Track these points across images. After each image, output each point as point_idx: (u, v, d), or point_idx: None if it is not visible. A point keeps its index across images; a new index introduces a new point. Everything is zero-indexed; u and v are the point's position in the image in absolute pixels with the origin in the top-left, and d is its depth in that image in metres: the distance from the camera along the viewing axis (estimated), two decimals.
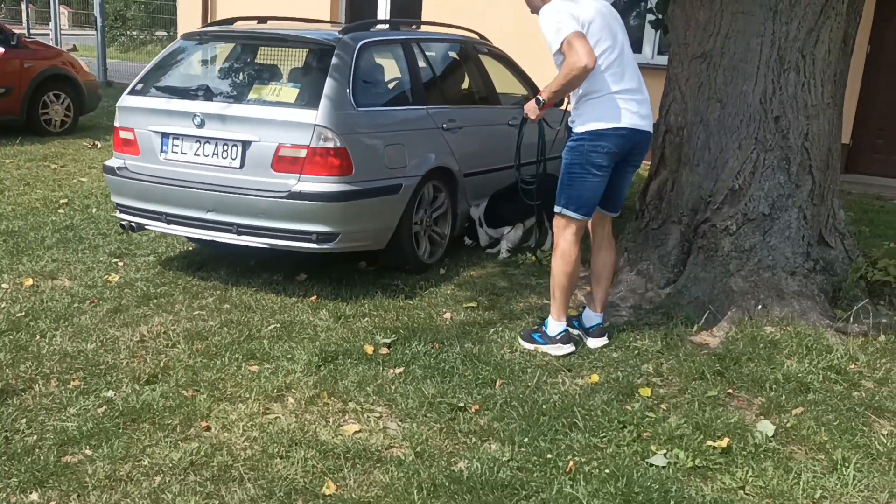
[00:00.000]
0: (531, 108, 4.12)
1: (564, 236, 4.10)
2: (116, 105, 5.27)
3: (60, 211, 6.60)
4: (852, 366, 4.04)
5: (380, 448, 3.25)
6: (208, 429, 3.34)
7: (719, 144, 4.74)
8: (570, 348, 4.16)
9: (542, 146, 4.50)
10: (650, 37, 10.04)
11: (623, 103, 3.96)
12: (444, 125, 5.48)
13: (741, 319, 4.45)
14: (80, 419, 3.36)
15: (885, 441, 3.39)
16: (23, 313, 4.44)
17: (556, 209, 4.12)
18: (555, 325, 4.17)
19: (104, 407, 3.47)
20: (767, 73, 4.59)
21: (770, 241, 4.65)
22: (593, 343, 4.31)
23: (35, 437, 3.23)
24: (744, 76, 4.64)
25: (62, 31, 19.21)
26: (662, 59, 9.83)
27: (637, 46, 10.20)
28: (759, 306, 4.52)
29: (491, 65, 6.45)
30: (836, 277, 4.82)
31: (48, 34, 19.30)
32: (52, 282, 4.98)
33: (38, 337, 4.16)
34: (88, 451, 3.14)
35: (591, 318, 4.34)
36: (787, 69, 4.58)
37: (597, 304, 4.34)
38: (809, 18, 4.51)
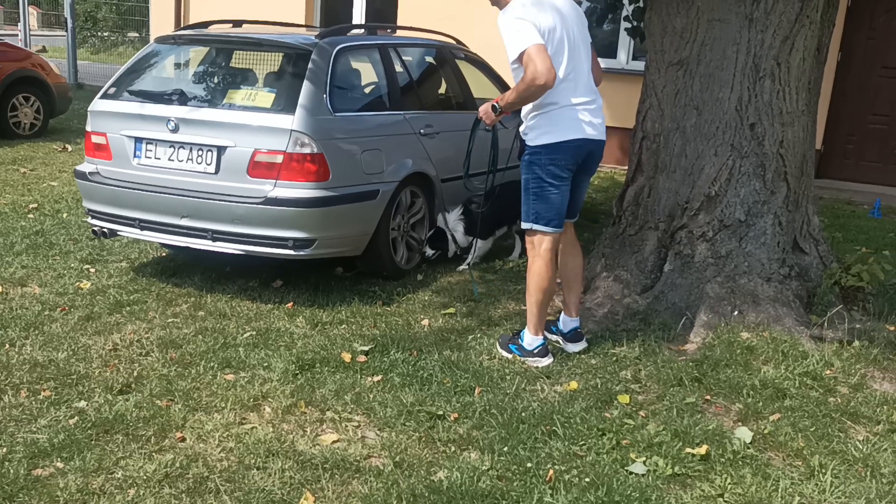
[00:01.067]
0: (487, 113, 4.11)
1: (540, 253, 4.06)
2: (88, 109, 5.20)
3: (30, 216, 6.48)
4: (828, 371, 4.07)
5: (358, 458, 3.21)
6: (183, 440, 3.29)
7: (696, 151, 4.77)
8: (548, 360, 4.15)
9: (494, 155, 4.52)
10: (625, 42, 10.09)
11: (576, 114, 3.94)
12: (422, 130, 5.46)
13: (718, 325, 4.47)
14: (51, 431, 3.29)
15: (860, 447, 3.41)
16: None
17: (526, 226, 4.09)
18: (531, 339, 4.16)
19: (76, 418, 3.40)
20: (743, 81, 4.62)
21: (746, 247, 4.68)
22: (572, 347, 4.31)
23: (4, 449, 3.15)
24: (720, 83, 4.67)
25: (31, 32, 18.93)
26: (637, 65, 9.89)
27: (612, 52, 10.26)
28: (736, 312, 4.54)
29: (467, 69, 6.44)
30: (811, 283, 4.86)
31: (17, 35, 18.99)
32: (21, 289, 4.89)
33: (7, 346, 4.07)
34: (60, 464, 3.07)
35: (568, 323, 4.35)
36: (763, 77, 4.61)
37: (571, 308, 4.34)
38: (784, 27, 4.55)
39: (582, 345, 4.33)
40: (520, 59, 3.77)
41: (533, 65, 3.70)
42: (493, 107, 4.06)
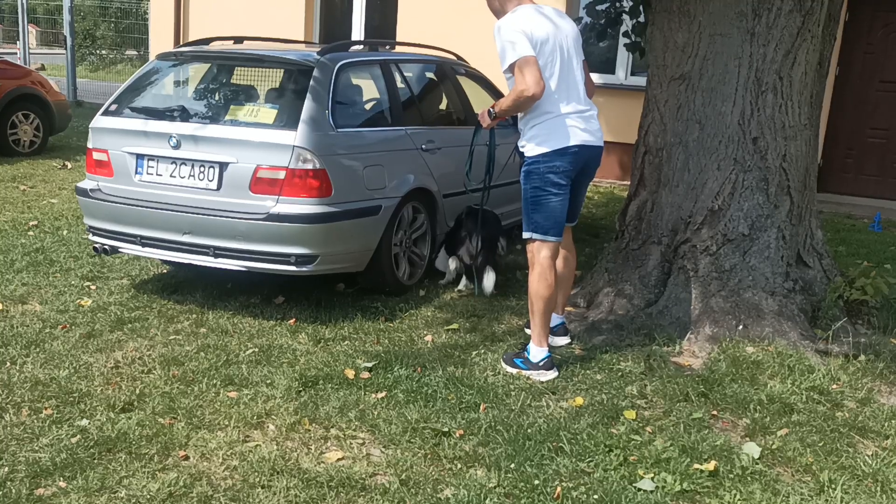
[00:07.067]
0: (484, 117, 4.29)
1: (540, 261, 4.11)
2: (90, 126, 5.19)
3: (30, 233, 6.46)
4: (834, 386, 4.05)
5: (364, 476, 3.18)
6: (187, 458, 3.25)
7: (698, 165, 4.77)
8: (553, 373, 4.13)
9: (491, 152, 4.70)
10: (623, 58, 10.12)
11: (571, 122, 4.02)
12: (423, 146, 5.46)
13: (723, 340, 4.46)
14: (54, 449, 3.25)
15: (870, 462, 3.38)
16: None
17: (527, 235, 4.15)
18: (537, 352, 4.15)
19: (78, 436, 3.36)
20: (745, 95, 4.63)
21: (750, 261, 4.67)
22: (559, 341, 4.50)
23: (6, 469, 3.11)
24: (722, 98, 4.68)
25: (30, 50, 18.97)
26: (636, 80, 9.92)
27: (610, 68, 10.29)
28: (740, 326, 4.53)
29: (468, 85, 6.45)
30: (815, 297, 4.84)
31: (16, 53, 19.04)
32: (22, 306, 4.86)
33: (8, 364, 4.04)
34: (62, 483, 3.04)
35: (554, 319, 4.45)
36: (765, 91, 4.62)
37: (558, 306, 4.50)
38: (786, 41, 4.56)
39: (566, 339, 4.55)
40: (511, 69, 3.91)
41: (522, 77, 3.86)
42: (489, 111, 4.23)
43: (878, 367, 4.25)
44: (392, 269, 5.20)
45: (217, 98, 5.42)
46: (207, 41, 5.69)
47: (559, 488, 3.12)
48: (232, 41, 5.77)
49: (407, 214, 5.32)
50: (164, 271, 5.64)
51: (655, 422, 3.71)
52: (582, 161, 4.08)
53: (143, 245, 4.92)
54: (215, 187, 4.71)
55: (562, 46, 4.01)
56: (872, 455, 3.46)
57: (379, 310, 5.03)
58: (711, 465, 3.29)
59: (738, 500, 3.11)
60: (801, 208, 4.87)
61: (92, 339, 4.39)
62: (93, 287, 5.25)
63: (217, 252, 4.72)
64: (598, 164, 4.23)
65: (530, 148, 4.06)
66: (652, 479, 3.21)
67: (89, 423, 3.47)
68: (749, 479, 3.25)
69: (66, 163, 9.59)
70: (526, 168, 4.10)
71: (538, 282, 4.10)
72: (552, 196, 4.04)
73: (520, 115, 4.14)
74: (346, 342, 4.51)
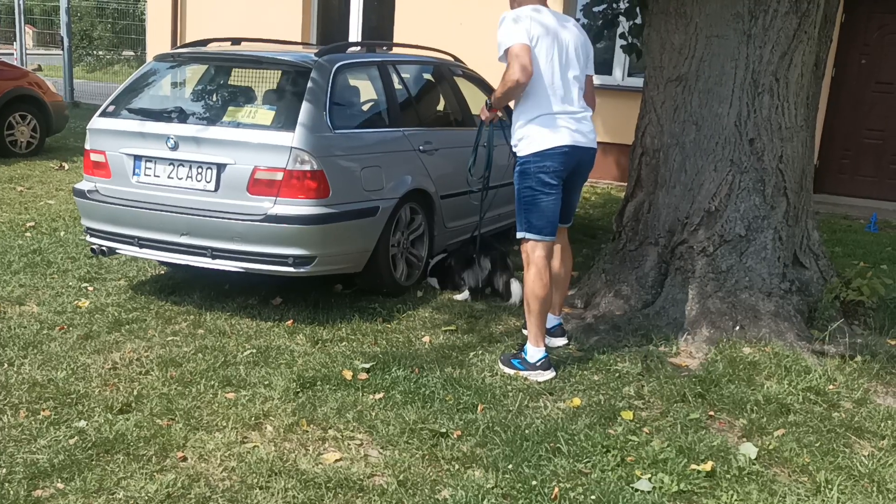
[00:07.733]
0: (483, 110, 4.42)
1: (535, 260, 4.14)
2: (87, 127, 5.19)
3: (27, 234, 6.45)
4: (831, 386, 4.06)
5: (362, 477, 3.18)
6: (185, 459, 3.26)
7: (695, 166, 4.78)
8: (550, 374, 4.14)
9: (489, 152, 4.75)
10: (620, 59, 10.14)
11: (562, 122, 4.06)
12: (421, 147, 5.46)
13: (719, 340, 4.47)
14: (51, 451, 3.25)
15: (866, 462, 3.40)
16: None
17: (520, 235, 4.18)
18: (534, 352, 4.16)
19: (76, 438, 3.36)
20: (742, 96, 4.64)
21: (746, 262, 4.68)
22: (556, 342, 4.51)
23: (4, 470, 3.12)
24: (719, 99, 4.69)
25: (27, 51, 18.93)
26: (633, 82, 9.94)
27: (607, 69, 10.31)
28: (737, 327, 4.54)
29: (465, 86, 6.46)
30: (812, 298, 4.86)
31: (12, 54, 19.01)
32: (19, 308, 4.85)
33: (5, 365, 4.04)
34: (60, 485, 3.04)
35: (551, 320, 4.47)
36: (761, 92, 4.63)
37: (555, 307, 4.50)
38: (782, 42, 4.58)
39: (563, 340, 4.56)
40: (505, 56, 3.98)
41: (510, 63, 3.95)
42: (487, 102, 4.32)
43: (874, 367, 4.26)
44: (390, 270, 5.21)
45: (215, 99, 5.42)
46: (205, 42, 5.70)
47: (557, 489, 3.12)
48: (229, 42, 5.78)
49: (404, 215, 5.32)
50: (162, 272, 5.64)
51: (652, 422, 3.72)
52: (573, 162, 4.11)
53: (141, 246, 4.92)
54: (213, 188, 4.71)
55: (560, 48, 4.05)
56: (869, 455, 3.47)
57: (377, 311, 5.04)
58: (708, 466, 3.30)
59: (735, 500, 3.12)
60: (798, 209, 4.89)
61: (89, 341, 4.39)
62: (90, 288, 5.25)
63: (214, 253, 4.73)
64: (591, 166, 4.26)
65: (522, 147, 4.11)
66: (649, 479, 3.22)
67: (87, 425, 3.47)
68: (746, 479, 3.26)
69: (64, 164, 9.58)
70: (518, 168, 4.13)
71: (534, 281, 4.12)
72: (544, 196, 4.07)
73: (514, 112, 4.16)
74: (343, 343, 4.52)
